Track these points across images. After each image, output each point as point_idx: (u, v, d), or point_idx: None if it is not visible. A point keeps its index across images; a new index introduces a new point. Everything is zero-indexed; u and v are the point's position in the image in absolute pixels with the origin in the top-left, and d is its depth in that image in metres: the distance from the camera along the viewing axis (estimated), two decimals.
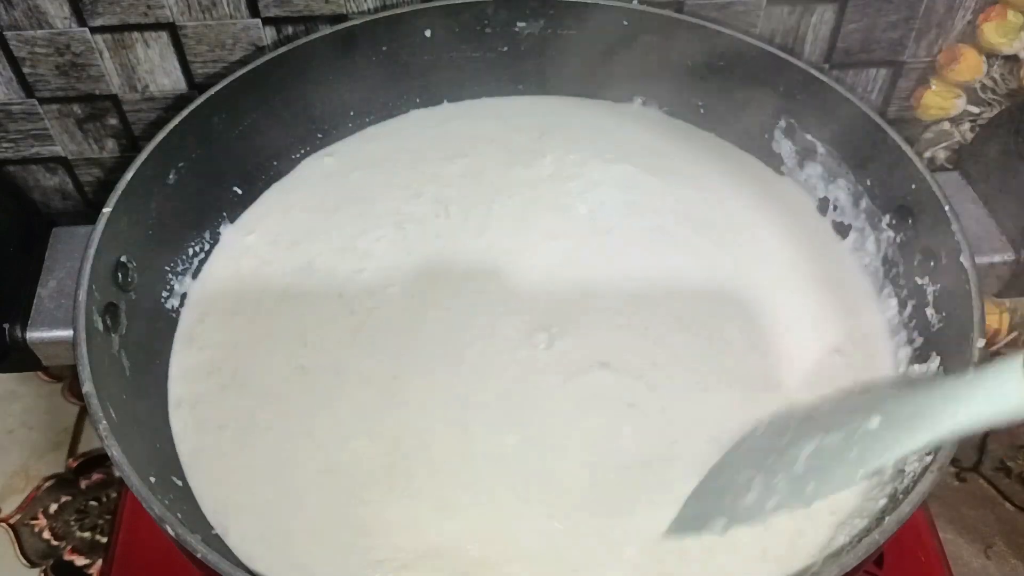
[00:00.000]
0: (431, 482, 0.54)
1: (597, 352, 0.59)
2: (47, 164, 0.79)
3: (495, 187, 0.69)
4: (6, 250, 0.54)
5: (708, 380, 0.58)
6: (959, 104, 0.76)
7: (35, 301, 0.55)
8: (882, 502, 0.51)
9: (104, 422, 0.47)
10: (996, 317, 0.78)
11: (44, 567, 0.73)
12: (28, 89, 0.73)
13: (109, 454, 0.47)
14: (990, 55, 0.74)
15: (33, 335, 0.54)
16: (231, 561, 0.45)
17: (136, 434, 0.51)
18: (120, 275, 0.56)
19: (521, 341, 0.60)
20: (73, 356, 0.50)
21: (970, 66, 0.74)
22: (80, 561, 0.74)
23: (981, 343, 0.51)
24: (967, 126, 0.77)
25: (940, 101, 0.77)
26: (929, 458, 0.49)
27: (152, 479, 0.48)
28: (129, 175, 0.57)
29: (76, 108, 0.75)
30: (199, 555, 0.44)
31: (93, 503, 0.77)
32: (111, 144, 0.78)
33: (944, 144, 0.78)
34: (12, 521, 0.76)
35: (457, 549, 0.52)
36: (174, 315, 0.62)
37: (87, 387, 0.48)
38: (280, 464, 0.55)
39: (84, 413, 0.82)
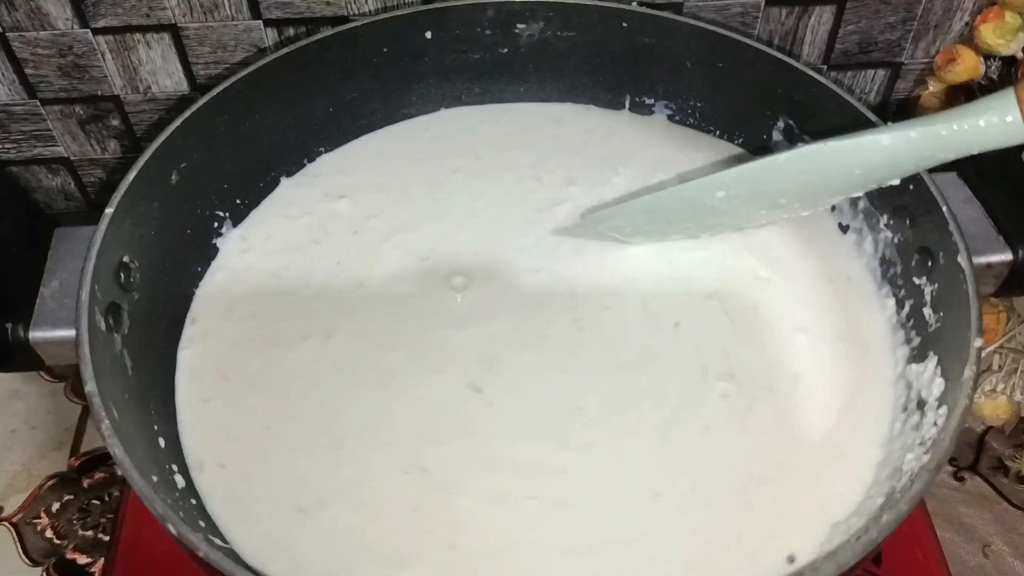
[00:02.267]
0: (453, 489, 0.54)
1: (605, 348, 0.60)
2: (50, 165, 0.79)
3: (498, 188, 0.69)
4: (9, 250, 0.54)
5: (700, 374, 0.59)
6: (956, 105, 0.77)
7: (38, 301, 0.55)
8: (880, 500, 0.51)
9: (106, 421, 0.47)
10: (994, 317, 0.78)
11: (46, 566, 0.74)
12: (30, 90, 0.74)
13: (111, 453, 0.47)
14: (988, 56, 0.74)
15: (36, 335, 0.54)
16: (234, 560, 0.45)
17: (138, 433, 0.51)
18: (123, 275, 0.56)
19: (531, 337, 0.61)
20: (76, 356, 0.50)
21: (968, 67, 0.74)
22: (82, 560, 0.74)
23: (979, 343, 0.51)
24: None
25: (938, 103, 0.77)
26: (927, 457, 0.50)
27: (154, 478, 0.48)
28: (131, 176, 0.58)
29: (78, 109, 0.76)
30: (201, 554, 0.44)
31: (95, 502, 0.77)
32: (113, 145, 0.79)
33: None
34: (14, 520, 0.76)
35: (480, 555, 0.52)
36: (178, 315, 0.62)
37: (90, 386, 0.48)
38: (287, 463, 0.55)
39: (87, 412, 0.82)
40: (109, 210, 0.56)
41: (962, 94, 0.76)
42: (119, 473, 0.77)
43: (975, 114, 0.49)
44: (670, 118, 0.75)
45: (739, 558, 0.52)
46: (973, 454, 0.84)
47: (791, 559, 0.51)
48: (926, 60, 0.77)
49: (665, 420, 0.57)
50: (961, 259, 0.54)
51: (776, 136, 0.69)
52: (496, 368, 0.59)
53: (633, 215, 0.63)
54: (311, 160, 0.72)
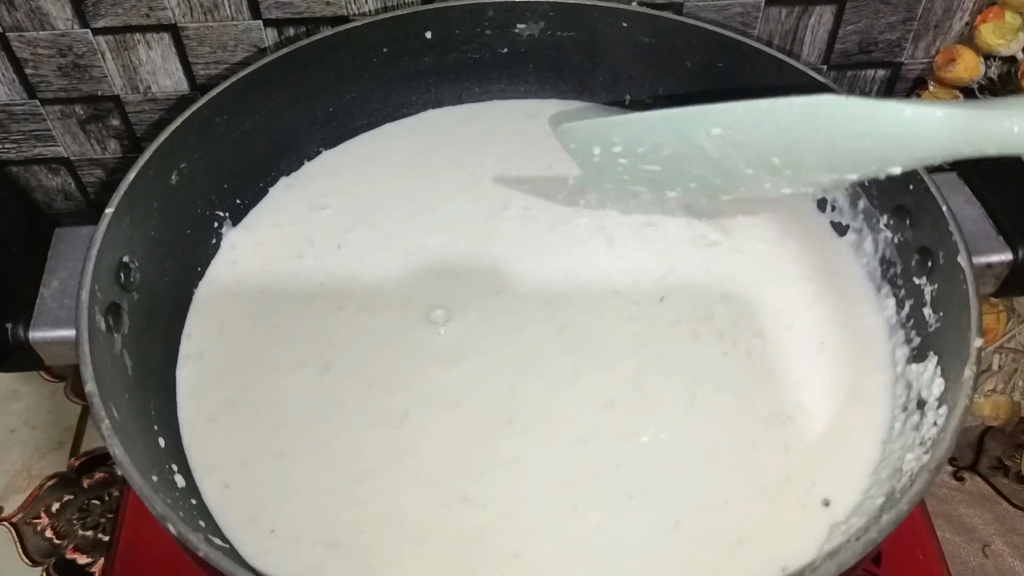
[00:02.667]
0: (509, 513, 0.54)
1: (598, 344, 0.60)
2: (50, 165, 0.79)
3: (499, 187, 0.69)
4: (9, 250, 0.54)
5: (699, 380, 0.59)
6: None
7: (38, 301, 0.55)
8: (880, 501, 0.51)
9: (106, 421, 0.47)
10: (994, 317, 0.78)
11: (46, 566, 0.74)
12: (30, 90, 0.74)
13: (111, 453, 0.47)
14: (988, 56, 0.74)
15: (36, 335, 0.54)
16: (233, 560, 0.45)
17: (138, 433, 0.51)
18: (122, 275, 0.56)
19: (533, 336, 0.61)
20: (76, 356, 0.50)
21: (968, 67, 0.74)
22: (82, 560, 0.74)
23: (979, 343, 0.51)
24: None
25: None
26: (927, 457, 0.50)
27: (154, 478, 0.48)
28: (131, 176, 0.58)
29: (78, 109, 0.76)
30: (201, 554, 0.44)
31: (95, 502, 0.77)
32: (113, 145, 0.79)
33: None
34: (14, 520, 0.76)
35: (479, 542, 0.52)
36: (177, 315, 0.62)
37: (89, 386, 0.48)
38: (288, 463, 0.55)
39: (86, 412, 0.82)
40: (109, 210, 0.55)
41: (962, 94, 0.76)
42: (119, 473, 0.77)
43: (1007, 112, 0.46)
44: None
45: (794, 503, 0.53)
46: (973, 454, 0.84)
47: (826, 502, 0.53)
48: (926, 60, 0.77)
49: (687, 390, 0.58)
50: (961, 259, 0.54)
51: None
52: (517, 398, 0.58)
53: (610, 137, 0.59)
54: (311, 159, 0.72)
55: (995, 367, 0.79)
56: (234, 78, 0.65)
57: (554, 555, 0.52)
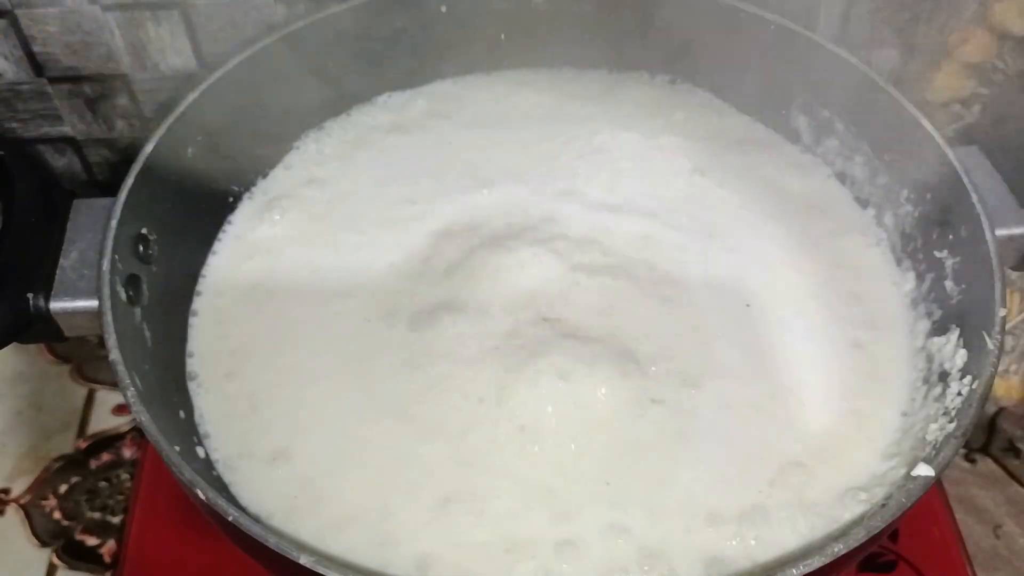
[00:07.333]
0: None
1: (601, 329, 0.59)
2: (56, 144, 0.79)
3: (513, 160, 0.69)
4: (28, 220, 0.53)
5: (716, 348, 0.58)
6: (969, 85, 0.77)
7: (58, 272, 0.54)
8: (903, 471, 0.51)
9: (132, 389, 0.47)
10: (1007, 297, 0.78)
11: (55, 547, 0.73)
12: (38, 68, 0.73)
13: (137, 421, 0.47)
14: (1001, 36, 0.74)
15: (56, 305, 0.53)
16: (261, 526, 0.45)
17: (160, 403, 0.51)
18: (141, 247, 0.56)
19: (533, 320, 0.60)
20: (99, 325, 0.50)
21: (981, 47, 0.74)
22: (91, 541, 0.73)
23: (1003, 312, 0.51)
24: (977, 107, 0.77)
25: (951, 82, 0.77)
26: (952, 425, 0.49)
27: (177, 448, 0.48)
28: (149, 148, 0.57)
29: (86, 87, 0.75)
30: (231, 519, 0.43)
31: (103, 484, 0.76)
32: (120, 124, 0.78)
33: (955, 125, 0.78)
34: (23, 502, 0.75)
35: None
36: (194, 290, 0.62)
37: (114, 355, 0.48)
38: (298, 439, 0.55)
39: (92, 395, 0.81)
40: (129, 180, 0.55)
41: (975, 74, 0.76)
42: (127, 455, 0.77)
43: None
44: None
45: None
46: (984, 435, 0.83)
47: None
48: (939, 40, 0.77)
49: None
50: (984, 231, 0.54)
51: (794, 111, 0.69)
52: None
53: None
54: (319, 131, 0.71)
55: (1008, 347, 0.79)
56: (245, 54, 0.64)
57: None
